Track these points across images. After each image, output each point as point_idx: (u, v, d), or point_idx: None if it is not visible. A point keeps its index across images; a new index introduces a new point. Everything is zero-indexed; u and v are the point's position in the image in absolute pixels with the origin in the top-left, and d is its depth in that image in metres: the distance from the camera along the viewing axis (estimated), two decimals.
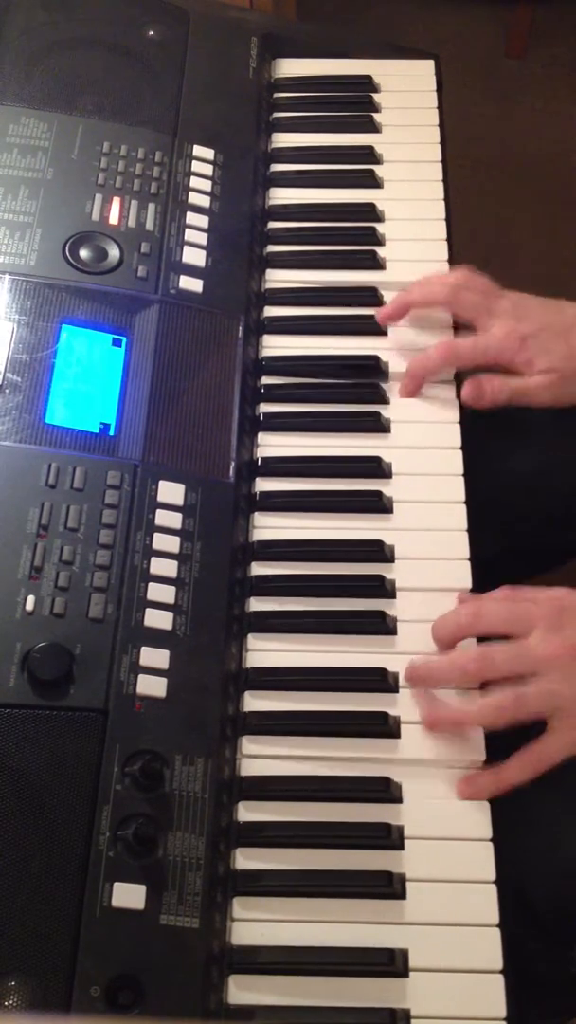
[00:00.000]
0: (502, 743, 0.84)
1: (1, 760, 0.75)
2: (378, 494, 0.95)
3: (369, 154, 1.15)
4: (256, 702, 0.85)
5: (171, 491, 0.88)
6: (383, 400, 1.00)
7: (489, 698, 0.83)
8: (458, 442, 0.98)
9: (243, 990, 0.75)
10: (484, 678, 0.85)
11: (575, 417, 1.03)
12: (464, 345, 1.02)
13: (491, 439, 1.06)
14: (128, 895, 0.73)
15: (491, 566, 0.94)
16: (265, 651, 0.88)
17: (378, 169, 1.14)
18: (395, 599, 0.90)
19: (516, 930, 0.79)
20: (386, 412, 1.00)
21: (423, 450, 0.98)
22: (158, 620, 0.83)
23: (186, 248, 1.02)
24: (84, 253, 0.99)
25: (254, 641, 0.88)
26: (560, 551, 1.21)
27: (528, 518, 1.16)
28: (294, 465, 0.97)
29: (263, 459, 0.97)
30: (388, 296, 1.05)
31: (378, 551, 0.92)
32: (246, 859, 0.79)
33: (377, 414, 0.99)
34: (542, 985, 0.98)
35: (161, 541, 0.86)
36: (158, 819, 0.76)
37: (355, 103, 1.20)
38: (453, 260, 1.09)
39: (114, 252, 1.00)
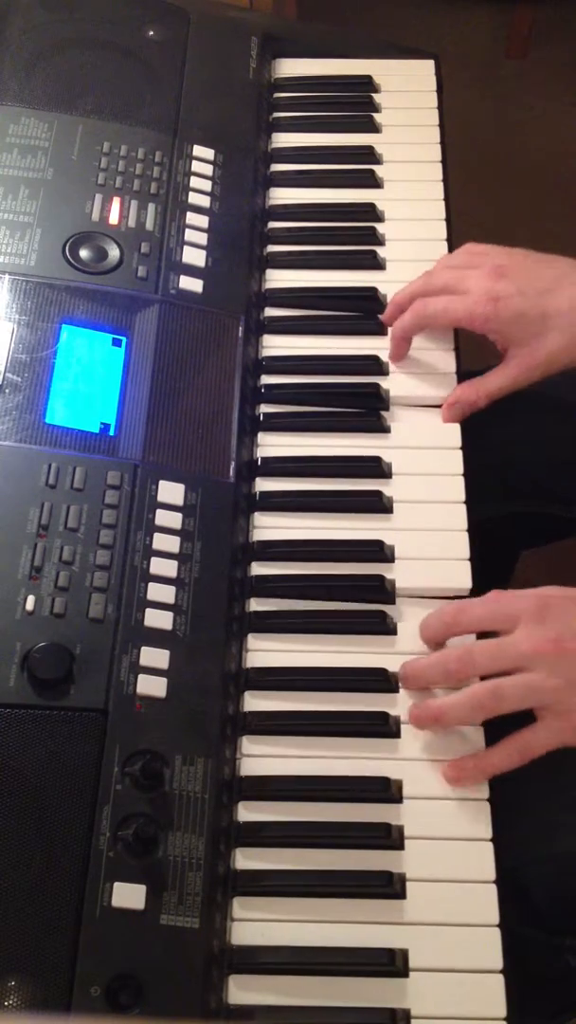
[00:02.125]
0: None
1: (1, 760, 0.75)
2: (378, 494, 0.95)
3: (369, 154, 1.15)
4: (256, 702, 0.85)
5: (171, 491, 0.88)
6: (383, 400, 1.00)
7: (466, 692, 0.83)
8: (458, 442, 0.98)
9: (243, 990, 0.75)
10: (467, 676, 0.84)
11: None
12: (436, 305, 0.99)
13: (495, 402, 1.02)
14: (128, 895, 0.73)
15: (491, 532, 0.93)
16: (265, 651, 0.88)
17: (378, 169, 1.14)
18: (395, 599, 0.90)
19: (513, 923, 0.79)
20: (386, 412, 0.99)
21: (423, 450, 0.98)
22: (158, 620, 0.83)
23: (186, 248, 1.02)
24: (84, 253, 0.99)
25: (254, 641, 0.88)
26: (563, 522, 1.20)
27: (528, 484, 1.15)
28: (294, 465, 0.97)
29: (263, 459, 0.97)
30: (389, 295, 1.05)
31: (378, 551, 0.92)
32: (246, 859, 0.79)
33: (377, 413, 0.99)
34: (540, 980, 0.98)
35: (161, 541, 0.86)
36: (158, 819, 0.76)
37: (355, 103, 1.20)
38: None
39: (114, 252, 1.00)
